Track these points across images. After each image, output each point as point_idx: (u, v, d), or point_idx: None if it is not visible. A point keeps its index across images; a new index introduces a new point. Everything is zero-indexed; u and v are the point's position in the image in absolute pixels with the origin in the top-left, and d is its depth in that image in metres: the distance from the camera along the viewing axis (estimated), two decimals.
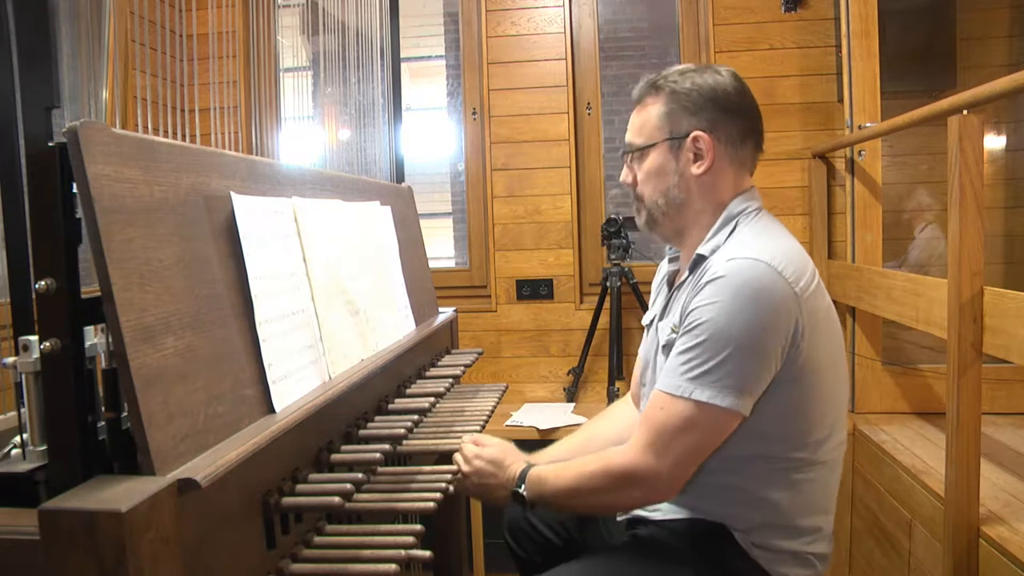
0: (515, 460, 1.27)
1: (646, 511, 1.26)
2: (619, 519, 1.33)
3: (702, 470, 1.17)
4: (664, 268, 1.40)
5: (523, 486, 1.22)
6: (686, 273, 1.24)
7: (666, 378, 1.12)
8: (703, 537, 1.18)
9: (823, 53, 2.76)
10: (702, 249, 1.20)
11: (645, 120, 1.26)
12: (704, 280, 1.12)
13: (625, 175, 1.31)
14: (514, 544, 1.53)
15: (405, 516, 1.09)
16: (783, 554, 1.16)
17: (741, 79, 1.25)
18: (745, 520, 1.16)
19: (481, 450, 1.28)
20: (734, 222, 1.21)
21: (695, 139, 1.21)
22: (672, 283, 1.33)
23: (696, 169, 1.22)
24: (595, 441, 1.42)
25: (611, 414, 1.54)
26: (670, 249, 1.37)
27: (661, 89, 1.25)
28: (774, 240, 1.16)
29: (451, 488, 1.12)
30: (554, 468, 1.22)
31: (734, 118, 1.22)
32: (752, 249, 1.12)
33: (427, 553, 0.93)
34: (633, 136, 1.28)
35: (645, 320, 1.40)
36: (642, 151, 1.26)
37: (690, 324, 1.11)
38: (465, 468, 1.27)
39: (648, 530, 1.24)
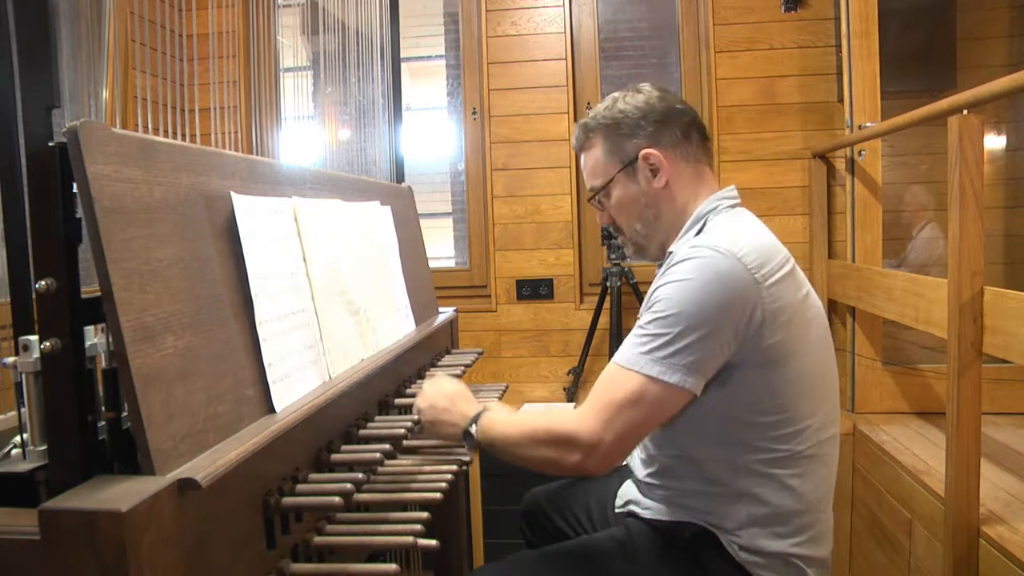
0: (471, 401, 1.28)
1: (639, 507, 1.27)
2: (616, 511, 1.35)
3: (688, 464, 1.19)
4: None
5: (475, 427, 1.23)
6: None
7: (621, 351, 1.15)
8: (689, 540, 1.19)
9: (823, 53, 2.76)
10: (673, 247, 1.24)
11: (595, 162, 1.32)
12: (668, 265, 1.16)
13: (600, 217, 1.37)
14: (527, 530, 1.56)
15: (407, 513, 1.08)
16: (771, 558, 1.16)
17: (660, 87, 1.31)
18: (730, 518, 1.16)
19: (442, 385, 1.30)
20: (703, 220, 1.24)
21: (646, 156, 1.26)
22: None
23: (658, 183, 1.26)
24: None
25: None
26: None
27: (594, 130, 1.31)
28: (739, 230, 1.18)
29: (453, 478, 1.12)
30: (506, 416, 1.24)
31: (669, 123, 1.27)
32: (714, 239, 1.15)
33: (433, 542, 0.94)
34: (591, 180, 1.34)
35: None
36: (605, 190, 1.31)
37: (649, 303, 1.15)
38: (422, 404, 1.28)
39: (638, 528, 1.25)
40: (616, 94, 1.31)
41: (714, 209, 1.24)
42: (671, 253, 1.21)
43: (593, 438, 1.12)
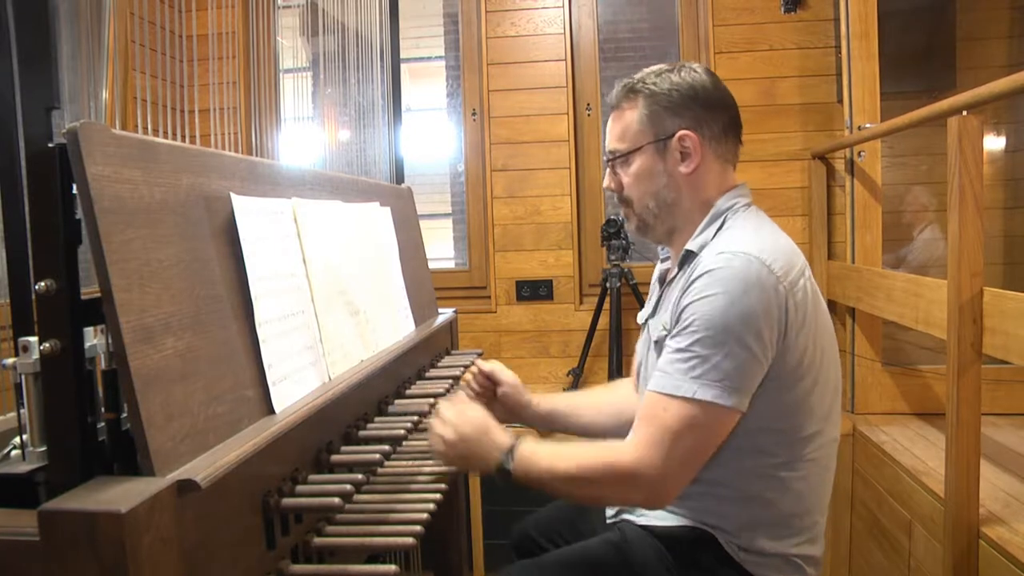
0: (499, 430, 1.19)
1: (633, 515, 1.26)
2: (608, 522, 1.33)
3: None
4: (658, 267, 1.41)
5: (511, 461, 1.14)
6: (675, 270, 1.25)
7: (665, 379, 1.10)
8: (688, 543, 1.18)
9: (823, 54, 2.76)
10: (690, 245, 1.21)
11: (627, 125, 1.25)
12: (695, 275, 1.12)
13: (609, 182, 1.30)
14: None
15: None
16: (772, 557, 1.15)
17: (715, 74, 1.26)
18: (732, 520, 1.16)
19: (465, 412, 1.19)
20: (722, 218, 1.21)
21: (682, 138, 1.21)
22: (663, 281, 1.34)
23: (684, 168, 1.22)
24: (599, 406, 1.51)
25: (617, 387, 1.56)
26: (662, 250, 1.38)
27: (639, 92, 1.24)
28: (762, 234, 1.16)
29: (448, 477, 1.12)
30: (548, 449, 1.15)
31: (716, 113, 1.22)
32: (741, 243, 1.12)
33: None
34: (615, 142, 1.27)
35: (640, 318, 1.41)
36: (627, 156, 1.26)
37: (685, 322, 1.10)
38: (450, 435, 1.16)
39: (634, 532, 1.24)
40: (666, 66, 1.25)
41: (732, 207, 1.22)
42: (690, 252, 1.19)
43: (656, 473, 1.07)
